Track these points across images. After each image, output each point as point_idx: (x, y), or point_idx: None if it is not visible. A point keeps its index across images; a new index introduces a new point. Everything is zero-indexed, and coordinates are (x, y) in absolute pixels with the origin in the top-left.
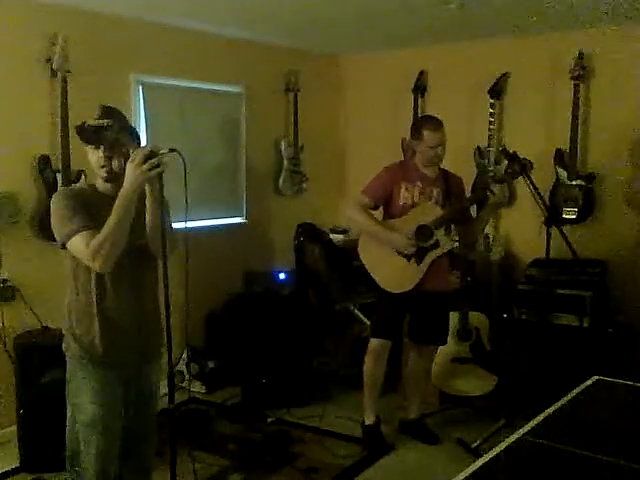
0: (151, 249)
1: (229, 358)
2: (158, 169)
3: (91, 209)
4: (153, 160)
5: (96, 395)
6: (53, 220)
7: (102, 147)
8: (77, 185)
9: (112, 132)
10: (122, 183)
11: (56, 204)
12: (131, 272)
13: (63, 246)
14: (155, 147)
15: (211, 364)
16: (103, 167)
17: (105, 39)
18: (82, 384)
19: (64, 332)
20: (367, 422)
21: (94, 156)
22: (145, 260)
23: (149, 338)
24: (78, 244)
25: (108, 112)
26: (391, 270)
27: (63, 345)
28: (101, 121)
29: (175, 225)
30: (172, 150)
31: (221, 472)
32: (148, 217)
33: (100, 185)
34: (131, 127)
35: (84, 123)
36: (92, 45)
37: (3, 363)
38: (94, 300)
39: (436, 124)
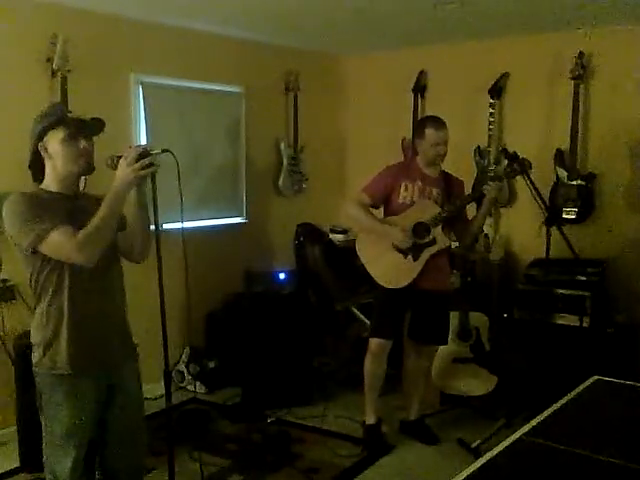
0: (125, 252)
1: (229, 358)
2: (150, 169)
3: (54, 209)
4: (145, 160)
5: (71, 406)
6: (14, 224)
7: (84, 141)
8: (29, 190)
9: (97, 124)
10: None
11: (15, 207)
12: (102, 273)
13: (33, 250)
14: (149, 147)
15: (211, 364)
16: (86, 158)
17: (105, 39)
18: (56, 396)
19: (34, 345)
20: (368, 422)
21: (72, 147)
22: (113, 261)
23: (121, 339)
24: (60, 238)
25: (59, 104)
26: (388, 265)
27: (33, 359)
28: (84, 116)
29: (172, 225)
30: (165, 150)
31: (221, 472)
32: (131, 217)
33: (54, 186)
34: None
35: (78, 116)
36: (92, 45)
37: (3, 363)
38: (66, 305)
39: (439, 123)
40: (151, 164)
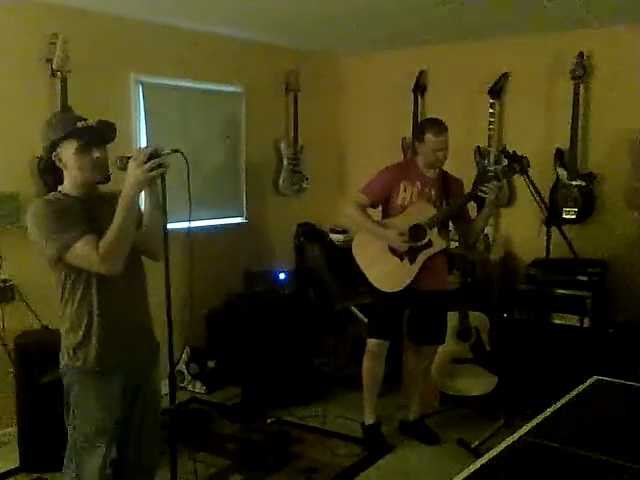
0: (145, 251)
1: (229, 358)
2: (160, 169)
3: (75, 215)
4: (155, 160)
5: (101, 403)
6: (39, 234)
7: (97, 148)
8: (50, 196)
9: (109, 131)
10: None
11: (39, 217)
12: (127, 275)
13: (59, 259)
14: (158, 147)
15: (211, 364)
16: (99, 167)
17: (105, 39)
18: (85, 395)
19: (63, 346)
20: (367, 422)
21: (87, 158)
22: (136, 262)
23: (148, 342)
24: (83, 250)
25: (70, 112)
26: (384, 269)
27: (62, 360)
28: (91, 121)
29: (174, 225)
30: (175, 151)
31: (221, 472)
32: (146, 218)
33: (73, 190)
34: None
35: (77, 124)
36: (92, 45)
37: (3, 363)
38: (96, 308)
39: (440, 128)
40: (161, 164)
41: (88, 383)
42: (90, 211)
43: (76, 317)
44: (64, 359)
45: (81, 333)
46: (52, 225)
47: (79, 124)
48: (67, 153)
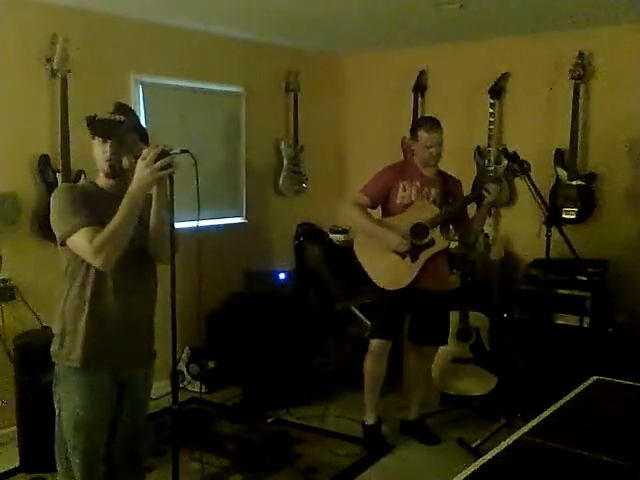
0: (150, 251)
1: (229, 358)
2: (169, 169)
3: (92, 205)
4: (164, 160)
5: (82, 399)
6: (53, 215)
7: (109, 142)
8: (78, 182)
9: (122, 129)
10: (127, 181)
11: (57, 199)
12: (131, 274)
13: (63, 243)
14: (167, 147)
15: (211, 364)
16: (107, 161)
17: (105, 39)
18: (68, 387)
19: (54, 334)
20: (368, 422)
21: (100, 150)
22: (145, 263)
23: (141, 342)
24: (80, 240)
25: (121, 109)
26: (386, 267)
27: (51, 347)
28: (113, 116)
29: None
30: (184, 151)
31: (221, 472)
32: (153, 219)
33: (101, 182)
34: (142, 127)
35: (95, 115)
36: (92, 45)
37: (3, 363)
38: (88, 300)
39: (432, 125)
40: (170, 164)
41: (71, 375)
42: (107, 204)
43: (69, 303)
44: (54, 345)
45: (69, 320)
46: (64, 209)
47: (98, 116)
48: (93, 141)
